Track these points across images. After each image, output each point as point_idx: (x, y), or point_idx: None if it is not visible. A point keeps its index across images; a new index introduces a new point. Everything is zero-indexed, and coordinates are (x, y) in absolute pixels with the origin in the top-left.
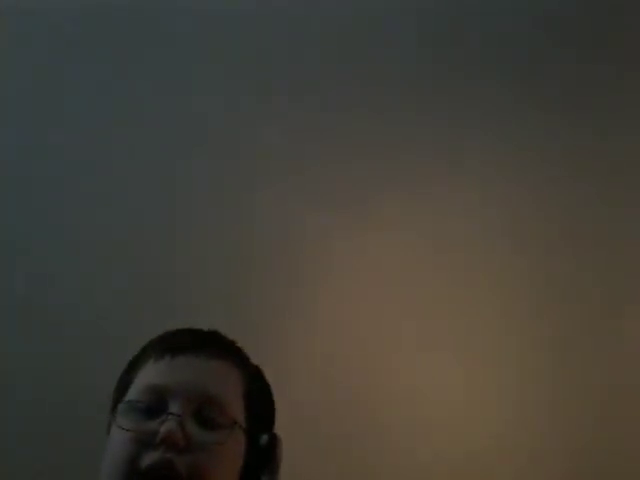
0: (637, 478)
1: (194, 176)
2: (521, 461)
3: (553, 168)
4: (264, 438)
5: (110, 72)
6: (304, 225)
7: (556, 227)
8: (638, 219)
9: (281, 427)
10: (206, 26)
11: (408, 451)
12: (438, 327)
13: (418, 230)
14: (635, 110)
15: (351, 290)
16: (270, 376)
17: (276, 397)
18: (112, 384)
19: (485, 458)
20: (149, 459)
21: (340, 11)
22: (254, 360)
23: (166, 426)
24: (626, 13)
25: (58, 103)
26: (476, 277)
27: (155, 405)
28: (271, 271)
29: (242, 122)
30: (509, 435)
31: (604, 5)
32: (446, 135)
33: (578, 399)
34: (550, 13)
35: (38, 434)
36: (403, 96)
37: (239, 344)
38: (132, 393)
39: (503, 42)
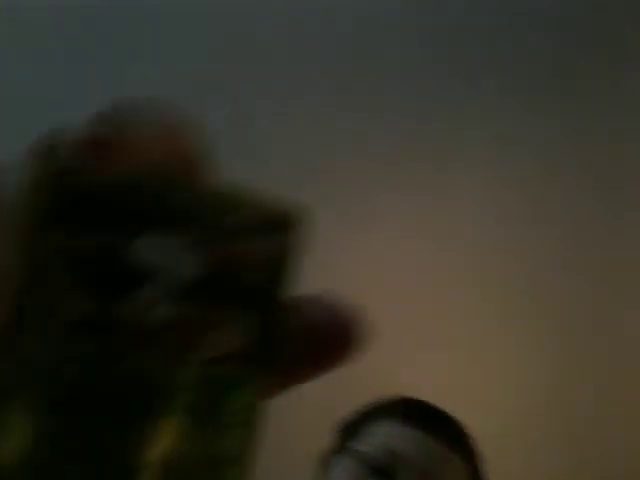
0: (637, 471)
1: None
2: (522, 458)
3: (553, 168)
4: None
5: (110, 72)
6: (304, 225)
7: (556, 227)
8: (638, 219)
9: (282, 427)
10: (206, 26)
11: None
12: (438, 327)
13: (418, 231)
14: (635, 110)
15: (351, 290)
16: None
17: (276, 397)
18: None
19: (485, 456)
20: None
21: (340, 11)
22: None
23: None
24: (626, 13)
25: (58, 103)
26: (476, 277)
27: (386, 468)
28: None
29: (242, 122)
30: (509, 434)
31: (604, 5)
32: (446, 135)
33: (579, 398)
34: (550, 13)
35: None
36: (403, 96)
37: (474, 441)
38: (366, 444)
39: (503, 42)
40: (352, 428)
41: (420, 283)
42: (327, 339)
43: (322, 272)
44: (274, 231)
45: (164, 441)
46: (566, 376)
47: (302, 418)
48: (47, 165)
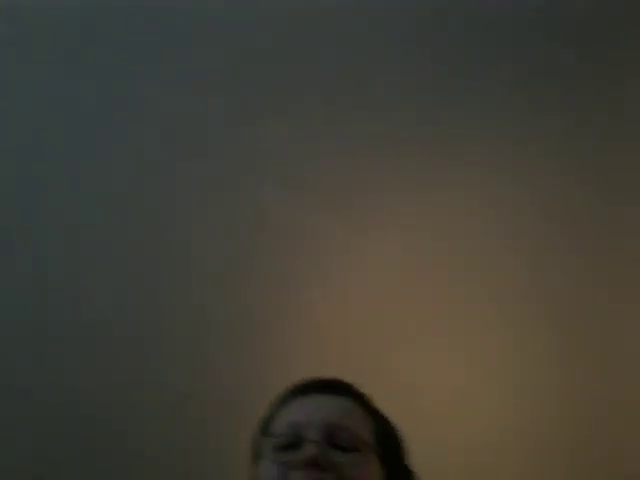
0: (637, 473)
1: (194, 176)
2: (523, 455)
3: (553, 168)
4: (401, 469)
5: (110, 72)
6: (304, 225)
7: (556, 227)
8: (638, 219)
9: None
10: (206, 26)
11: (408, 450)
12: (438, 327)
13: (418, 230)
14: (636, 110)
15: (351, 290)
16: (271, 376)
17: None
18: (110, 384)
19: (486, 456)
20: (296, 477)
21: (340, 11)
22: (254, 360)
23: (307, 451)
24: (626, 13)
25: (58, 103)
26: (476, 276)
27: (295, 439)
28: (271, 271)
29: (242, 122)
30: (510, 432)
31: (604, 5)
32: (446, 135)
33: (579, 397)
34: (550, 13)
35: (39, 433)
36: (403, 96)
37: (358, 388)
38: (275, 436)
39: (503, 42)
40: (261, 433)
41: (420, 283)
42: None
43: (322, 272)
44: None
45: None
46: (566, 376)
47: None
48: None
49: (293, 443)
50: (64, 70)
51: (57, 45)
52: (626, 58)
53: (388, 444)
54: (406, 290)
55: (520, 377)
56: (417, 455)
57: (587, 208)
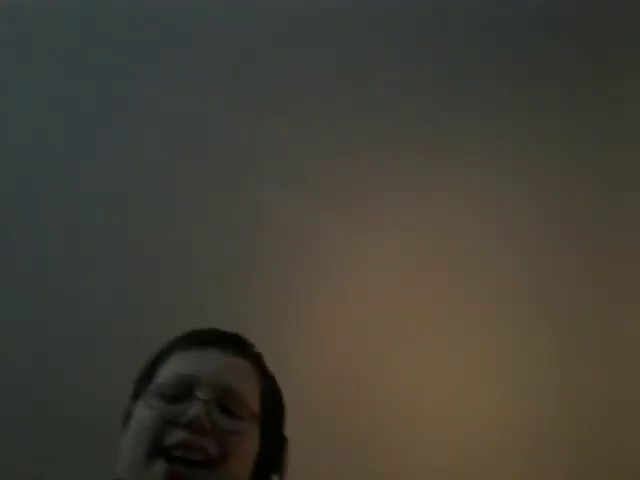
0: (637, 473)
1: (194, 176)
2: (523, 455)
3: (553, 168)
4: (277, 437)
5: (110, 72)
6: (304, 225)
7: (556, 227)
8: (638, 219)
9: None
10: (206, 26)
11: (408, 450)
12: (438, 327)
13: (418, 230)
14: (636, 110)
15: (351, 290)
16: None
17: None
18: (110, 384)
19: (486, 456)
20: (174, 437)
21: (340, 11)
22: None
23: (194, 410)
24: (626, 13)
25: (58, 103)
26: (476, 276)
27: (182, 392)
28: (271, 271)
29: (242, 122)
30: (510, 432)
31: (604, 5)
32: (446, 135)
33: (579, 397)
34: (550, 13)
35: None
36: (403, 96)
37: (257, 348)
38: (160, 380)
39: (503, 42)
40: (145, 375)
41: (420, 283)
42: None
43: (322, 272)
44: None
45: None
46: (566, 376)
47: (302, 419)
48: None
49: (178, 395)
50: (64, 70)
51: (57, 45)
52: (626, 58)
53: (272, 413)
54: (406, 290)
55: (520, 377)
56: (417, 455)
57: (587, 208)
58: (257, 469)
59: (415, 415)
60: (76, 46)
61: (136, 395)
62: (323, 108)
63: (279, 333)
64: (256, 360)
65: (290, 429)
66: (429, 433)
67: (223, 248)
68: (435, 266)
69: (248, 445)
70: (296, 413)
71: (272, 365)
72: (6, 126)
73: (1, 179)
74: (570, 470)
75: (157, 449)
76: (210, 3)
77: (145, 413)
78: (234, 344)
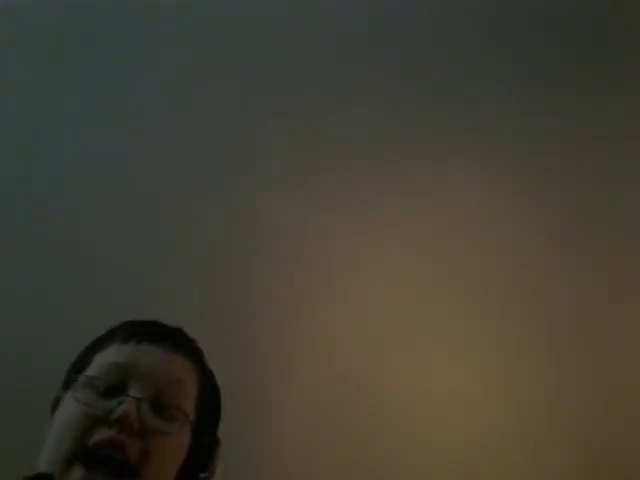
0: (636, 473)
1: (194, 176)
2: (523, 455)
3: (553, 168)
4: (209, 438)
5: (110, 72)
6: (304, 225)
7: (556, 227)
8: (638, 219)
9: (282, 427)
10: (206, 26)
11: (408, 450)
12: (438, 327)
13: (418, 230)
14: (636, 110)
15: (351, 290)
16: (271, 376)
17: (276, 397)
18: None
19: (486, 456)
20: (100, 436)
21: (340, 11)
22: (254, 358)
23: (124, 407)
24: (626, 13)
25: (58, 103)
26: (476, 277)
27: (115, 385)
28: (271, 271)
29: (242, 122)
30: (510, 432)
31: (604, 5)
32: (446, 135)
33: (579, 397)
34: (550, 13)
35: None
36: (403, 96)
37: (199, 344)
38: (93, 370)
39: (503, 42)
40: (79, 362)
41: (420, 283)
42: None
43: (322, 272)
44: None
45: None
46: (566, 376)
47: (302, 419)
48: None
49: (110, 389)
50: (64, 70)
51: (57, 45)
52: (626, 58)
53: (207, 413)
54: (406, 290)
55: (520, 377)
56: (417, 455)
57: (587, 208)
58: (185, 469)
59: (415, 415)
60: (76, 46)
61: (67, 383)
62: (323, 108)
63: (279, 333)
64: (196, 357)
65: (290, 429)
66: (429, 433)
67: (223, 248)
68: (435, 266)
69: (176, 446)
70: (296, 413)
71: (272, 365)
72: (6, 126)
73: (1, 179)
74: (570, 470)
75: (80, 449)
76: (210, 3)
77: (72, 406)
78: (174, 340)
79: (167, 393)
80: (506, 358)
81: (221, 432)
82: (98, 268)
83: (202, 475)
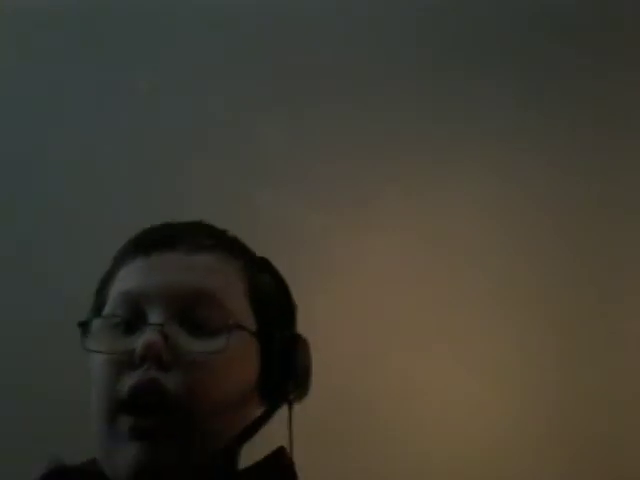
0: (637, 468)
1: (194, 176)
2: (523, 455)
3: (553, 169)
4: (281, 338)
5: (110, 72)
6: (304, 225)
7: (556, 227)
8: (638, 219)
9: (281, 427)
10: (206, 26)
11: (408, 450)
12: (438, 327)
13: (418, 231)
14: (636, 110)
15: (351, 291)
16: None
17: None
18: None
19: (486, 456)
20: (131, 380)
21: (340, 11)
22: None
23: (143, 339)
24: (626, 13)
25: (58, 103)
26: (476, 277)
27: (133, 317)
28: None
29: (242, 122)
30: (510, 432)
31: (604, 5)
32: (446, 135)
33: (580, 400)
34: (550, 13)
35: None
36: (403, 96)
37: (232, 233)
38: (108, 307)
39: (503, 42)
40: (97, 299)
41: (420, 283)
42: None
43: (322, 273)
44: None
45: None
46: (566, 376)
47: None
48: None
49: (129, 323)
50: (64, 70)
51: (57, 45)
52: (626, 57)
53: (271, 308)
54: (406, 290)
55: (520, 377)
56: (417, 455)
57: (587, 208)
58: (264, 384)
59: (415, 415)
60: (76, 46)
61: (84, 330)
62: (323, 108)
63: None
64: (229, 247)
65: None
66: (429, 433)
67: None
68: (435, 266)
69: (236, 365)
70: (296, 413)
71: None
72: (6, 126)
73: (1, 179)
74: (570, 470)
75: (117, 404)
76: (210, 3)
77: (96, 358)
78: (193, 237)
79: (200, 303)
80: (506, 358)
81: None
82: (99, 268)
83: (291, 389)
